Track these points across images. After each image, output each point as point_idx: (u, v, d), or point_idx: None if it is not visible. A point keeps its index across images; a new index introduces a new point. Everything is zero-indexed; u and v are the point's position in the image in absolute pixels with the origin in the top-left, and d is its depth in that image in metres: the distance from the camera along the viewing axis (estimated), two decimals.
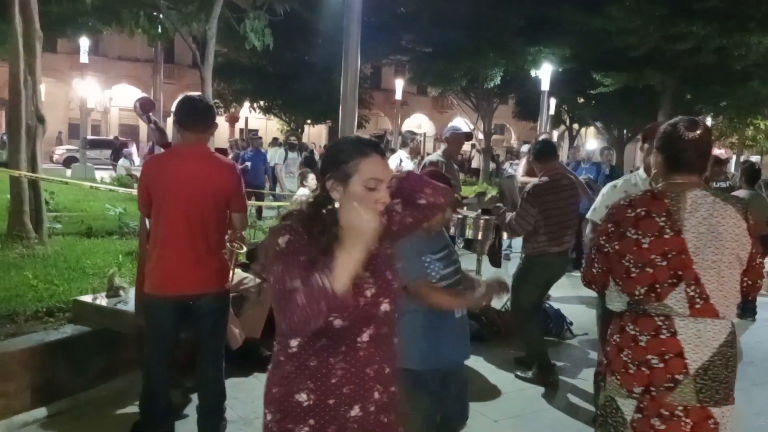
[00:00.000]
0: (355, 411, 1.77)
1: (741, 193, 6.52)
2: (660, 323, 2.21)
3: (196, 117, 3.25)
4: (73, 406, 3.74)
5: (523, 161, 7.25)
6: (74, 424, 3.55)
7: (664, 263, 2.19)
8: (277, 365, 1.82)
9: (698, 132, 2.26)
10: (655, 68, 18.59)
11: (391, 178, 1.82)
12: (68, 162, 26.31)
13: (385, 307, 1.81)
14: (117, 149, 23.11)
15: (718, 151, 40.18)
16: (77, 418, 3.63)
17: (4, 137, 14.76)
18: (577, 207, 4.84)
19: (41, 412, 3.60)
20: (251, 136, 14.32)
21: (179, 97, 3.48)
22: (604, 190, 3.69)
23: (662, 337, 2.20)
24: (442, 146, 6.05)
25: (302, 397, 1.76)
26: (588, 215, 3.72)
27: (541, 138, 6.86)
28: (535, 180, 4.65)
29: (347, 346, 1.76)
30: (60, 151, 29.42)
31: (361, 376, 1.77)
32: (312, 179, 9.35)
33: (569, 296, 6.74)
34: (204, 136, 3.30)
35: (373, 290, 1.78)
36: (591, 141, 29.36)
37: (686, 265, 2.18)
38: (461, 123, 30.77)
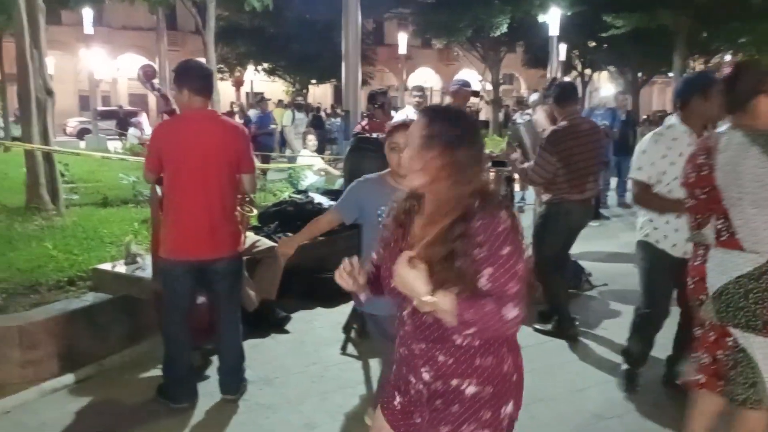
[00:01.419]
0: (411, 378, 1.80)
1: None
2: (700, 251, 2.64)
3: (207, 81, 3.30)
4: (99, 371, 3.86)
5: (539, 110, 7.04)
6: (101, 389, 3.66)
7: (703, 196, 2.54)
8: None
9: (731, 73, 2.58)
10: (668, 7, 18.01)
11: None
12: (81, 134, 26.47)
13: None
14: (121, 119, 23.15)
15: None
16: (103, 382, 3.75)
17: (17, 112, 14.83)
18: (600, 153, 4.65)
19: (69, 378, 3.73)
20: (258, 99, 14.26)
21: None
22: (644, 146, 3.38)
23: (696, 263, 2.66)
24: (447, 100, 5.93)
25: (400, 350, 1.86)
26: (631, 175, 3.47)
27: (556, 81, 6.66)
28: (554, 126, 4.48)
29: (398, 314, 1.81)
30: (73, 123, 29.54)
31: (410, 348, 1.77)
32: (312, 140, 9.35)
33: (588, 248, 6.69)
34: (209, 100, 3.35)
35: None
36: (607, 86, 28.71)
37: (717, 200, 2.49)
38: (468, 76, 30.30)
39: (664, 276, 3.52)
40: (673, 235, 3.41)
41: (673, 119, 3.42)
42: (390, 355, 2.39)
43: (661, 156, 3.31)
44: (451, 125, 1.66)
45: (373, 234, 2.32)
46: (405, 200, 1.79)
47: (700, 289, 2.62)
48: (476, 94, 5.95)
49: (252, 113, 13.65)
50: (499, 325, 1.59)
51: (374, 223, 2.58)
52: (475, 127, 1.72)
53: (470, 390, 1.70)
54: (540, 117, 6.66)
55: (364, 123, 5.46)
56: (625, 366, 3.81)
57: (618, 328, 4.65)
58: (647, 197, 3.39)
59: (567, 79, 27.99)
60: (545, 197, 4.58)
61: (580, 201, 4.44)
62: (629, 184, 3.78)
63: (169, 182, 3.28)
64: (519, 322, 1.62)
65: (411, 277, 1.55)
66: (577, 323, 4.65)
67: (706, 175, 2.50)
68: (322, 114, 17.82)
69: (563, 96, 4.50)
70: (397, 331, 1.83)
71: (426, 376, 1.74)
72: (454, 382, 1.71)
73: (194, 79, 3.26)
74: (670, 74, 21.89)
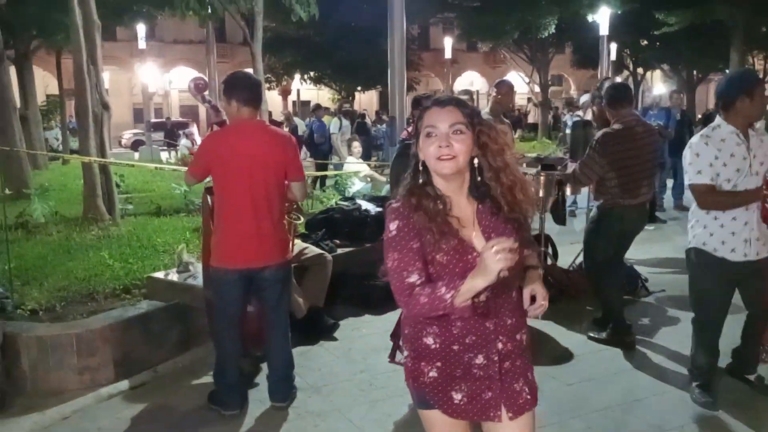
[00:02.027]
0: (480, 359, 1.86)
1: None
2: None
3: (255, 92, 3.35)
4: (153, 377, 3.94)
5: (588, 112, 6.87)
6: (155, 395, 3.73)
7: None
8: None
9: None
10: (724, 1, 17.35)
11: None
12: (135, 145, 27.34)
13: (503, 273, 1.75)
14: (169, 130, 23.86)
15: None
16: (157, 389, 3.82)
17: (71, 125, 15.43)
18: (655, 156, 4.49)
19: (124, 384, 3.82)
20: (314, 107, 14.52)
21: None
22: (696, 149, 3.27)
23: None
24: (490, 103, 5.77)
25: (429, 340, 1.88)
26: (692, 181, 3.29)
27: (608, 81, 6.47)
28: (607, 128, 4.33)
29: (475, 304, 1.81)
30: (128, 136, 30.55)
31: (481, 330, 1.85)
32: (357, 146, 9.39)
33: (643, 252, 6.49)
34: (258, 110, 3.39)
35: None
36: (659, 85, 27.87)
37: None
38: (515, 78, 29.90)
39: (720, 284, 3.42)
40: (731, 239, 3.30)
41: (718, 120, 3.32)
42: None
43: (714, 157, 3.23)
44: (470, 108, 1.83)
45: None
46: (424, 199, 1.82)
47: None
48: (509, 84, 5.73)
49: (299, 122, 13.89)
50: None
51: None
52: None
53: (524, 338, 1.95)
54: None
55: (410, 129, 5.42)
56: (695, 382, 3.62)
57: (676, 336, 4.50)
58: (715, 198, 3.28)
59: (619, 79, 27.32)
60: (596, 202, 4.48)
61: (634, 206, 4.28)
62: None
63: (219, 192, 3.33)
64: None
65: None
66: (634, 330, 4.48)
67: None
68: (367, 120, 17.90)
69: (616, 97, 4.35)
70: (448, 324, 1.84)
71: (500, 345, 1.87)
72: (518, 336, 1.92)
73: (242, 90, 3.31)
74: (727, 71, 21.09)
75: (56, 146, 17.21)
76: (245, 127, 3.32)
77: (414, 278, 1.79)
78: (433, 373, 1.88)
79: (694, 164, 3.26)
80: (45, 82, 27.91)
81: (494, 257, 1.62)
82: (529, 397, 1.91)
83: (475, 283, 1.69)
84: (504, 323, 1.88)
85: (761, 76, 26.30)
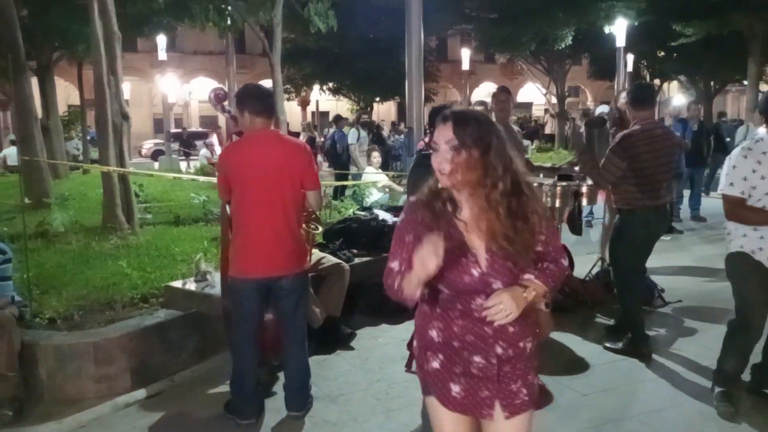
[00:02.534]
0: (478, 359, 1.94)
1: None
2: None
3: (266, 103, 3.37)
4: (170, 386, 3.96)
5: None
6: (172, 404, 3.74)
7: None
8: (419, 300, 2.01)
9: None
10: (742, 12, 17.22)
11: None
12: (155, 155, 27.63)
13: (497, 285, 1.89)
14: (185, 141, 24.09)
15: None
16: (174, 397, 3.84)
17: (91, 134, 15.65)
18: (673, 159, 4.47)
19: (141, 393, 3.83)
20: (335, 118, 14.64)
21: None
22: (734, 161, 3.30)
23: None
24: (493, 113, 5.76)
25: (433, 333, 1.98)
26: (724, 191, 3.32)
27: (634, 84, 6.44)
28: (626, 130, 4.31)
29: (463, 305, 1.92)
30: (148, 145, 30.90)
31: (480, 333, 1.93)
32: (376, 156, 9.41)
33: (660, 262, 6.44)
34: (272, 120, 3.41)
35: (480, 270, 1.88)
36: (678, 96, 27.51)
37: None
38: (532, 89, 29.77)
39: (760, 287, 3.37)
40: (766, 246, 3.27)
41: (762, 132, 3.32)
42: None
43: (751, 170, 3.22)
44: (472, 125, 1.85)
45: None
46: (434, 199, 1.93)
47: None
48: (504, 88, 5.75)
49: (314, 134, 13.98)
50: (563, 274, 2.00)
51: None
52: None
53: (529, 345, 1.99)
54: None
55: (426, 139, 5.42)
56: (719, 389, 3.58)
57: (694, 347, 4.45)
58: (742, 212, 3.28)
59: (623, 100, 27.11)
60: (617, 204, 4.43)
61: (655, 207, 4.25)
62: (711, 197, 3.69)
63: (236, 202, 3.34)
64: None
65: (519, 303, 1.85)
66: (650, 342, 4.44)
67: None
68: (384, 131, 17.96)
69: (640, 98, 4.32)
70: (449, 321, 1.94)
71: (499, 350, 1.93)
72: (521, 344, 1.96)
73: (253, 101, 3.33)
74: (745, 82, 20.89)
75: (76, 156, 17.45)
76: (259, 138, 3.34)
77: (395, 265, 1.94)
78: (435, 364, 1.98)
79: (729, 175, 3.30)
80: (67, 93, 28.37)
81: (428, 251, 1.72)
82: (526, 398, 1.97)
83: (416, 266, 1.76)
84: (505, 330, 1.92)
85: None
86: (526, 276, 1.91)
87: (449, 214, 1.90)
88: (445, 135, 1.84)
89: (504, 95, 5.51)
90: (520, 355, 1.96)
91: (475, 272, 1.87)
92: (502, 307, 1.83)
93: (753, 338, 3.48)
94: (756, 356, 3.65)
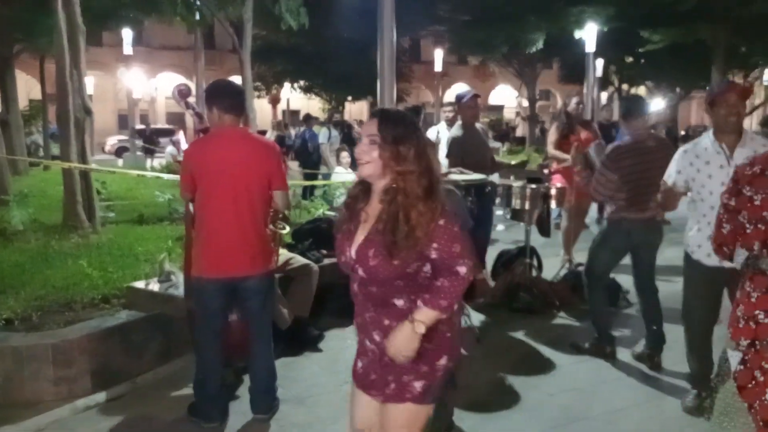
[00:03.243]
0: (366, 341, 2.16)
1: None
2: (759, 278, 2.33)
3: (236, 99, 3.31)
4: (132, 389, 3.86)
5: (553, 128, 6.82)
6: (134, 407, 3.65)
7: None
8: None
9: None
10: (706, 21, 17.67)
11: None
12: (120, 152, 27.11)
13: (361, 272, 2.05)
14: (148, 137, 23.71)
15: None
16: (136, 400, 3.74)
17: (53, 129, 15.28)
18: (665, 170, 4.56)
19: (101, 396, 3.73)
20: (305, 117, 14.50)
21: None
22: (676, 156, 3.56)
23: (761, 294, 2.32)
24: (458, 118, 5.82)
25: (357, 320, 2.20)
26: (664, 179, 3.61)
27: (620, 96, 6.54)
28: (618, 141, 4.40)
29: (352, 287, 2.14)
30: (112, 142, 30.28)
31: (362, 315, 2.15)
32: (345, 156, 9.36)
33: (622, 264, 6.51)
34: (241, 118, 3.34)
35: (350, 253, 2.07)
36: (658, 100, 27.66)
37: None
38: (504, 92, 30.09)
39: (699, 286, 3.50)
40: (706, 244, 3.32)
41: (707, 131, 3.54)
42: None
43: (688, 164, 3.45)
44: (396, 125, 1.99)
45: None
46: (355, 186, 2.13)
47: None
48: (477, 95, 5.88)
49: (290, 131, 13.83)
50: (462, 284, 2.01)
51: None
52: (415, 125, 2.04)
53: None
54: (552, 136, 6.51)
55: None
56: (693, 391, 3.65)
57: None
58: (664, 196, 3.57)
59: (604, 95, 27.55)
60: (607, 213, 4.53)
61: (642, 220, 4.20)
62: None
63: (200, 200, 3.27)
64: (472, 269, 2.01)
65: (410, 342, 1.98)
66: (615, 342, 4.51)
67: None
68: (355, 130, 17.88)
69: (630, 110, 4.34)
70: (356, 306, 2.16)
71: (377, 338, 2.10)
72: None
73: (223, 97, 3.27)
74: (708, 88, 21.47)
75: (35, 150, 17.02)
76: (226, 135, 3.27)
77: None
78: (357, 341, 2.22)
79: (671, 165, 3.58)
80: (28, 87, 27.66)
81: None
82: (391, 393, 2.11)
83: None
84: (381, 321, 2.08)
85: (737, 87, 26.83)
86: (417, 307, 1.99)
87: (354, 203, 2.11)
88: (369, 129, 2.00)
89: (473, 101, 5.68)
90: None
91: (348, 255, 2.08)
92: (394, 352, 2.00)
93: (702, 339, 3.55)
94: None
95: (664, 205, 3.66)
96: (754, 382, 2.28)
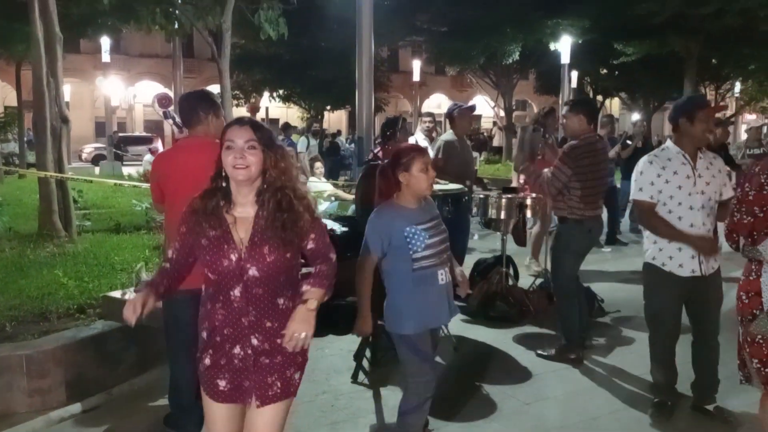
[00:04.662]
0: (237, 350, 2.17)
1: None
2: (753, 267, 2.77)
3: (186, 114, 3.31)
4: (107, 400, 3.82)
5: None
6: (108, 418, 3.62)
7: (761, 214, 2.69)
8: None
9: None
10: (679, 34, 18.07)
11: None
12: (96, 160, 26.78)
13: (253, 272, 2.12)
14: (117, 146, 23.48)
15: (750, 117, 39.05)
16: (111, 412, 3.71)
17: (30, 136, 15.05)
18: (607, 173, 4.77)
19: (76, 407, 3.69)
20: (283, 126, 14.50)
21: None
22: (641, 168, 3.51)
23: (751, 278, 2.77)
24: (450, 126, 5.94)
25: (204, 334, 2.24)
26: (634, 197, 3.54)
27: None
28: (572, 141, 4.47)
29: (224, 296, 2.16)
30: (88, 150, 29.92)
31: (237, 324, 2.16)
32: (319, 167, 9.40)
33: (598, 273, 6.66)
34: (200, 128, 3.30)
35: (238, 256, 2.13)
36: (634, 114, 28.02)
37: None
38: (481, 102, 30.32)
39: (670, 298, 3.54)
40: (678, 254, 3.44)
41: (668, 142, 3.55)
42: (422, 376, 2.96)
43: (656, 175, 3.44)
44: (264, 130, 2.18)
45: (403, 256, 2.89)
46: (210, 198, 2.19)
47: (755, 303, 2.72)
48: (472, 108, 6.11)
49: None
50: (335, 268, 2.30)
51: (403, 245, 2.88)
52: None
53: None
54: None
55: (376, 150, 5.47)
56: (656, 399, 3.73)
57: (631, 356, 4.59)
58: (655, 221, 3.48)
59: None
60: (560, 215, 4.58)
61: (596, 217, 4.52)
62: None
63: (168, 211, 3.27)
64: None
65: (309, 320, 2.11)
66: (583, 348, 4.60)
67: (767, 194, 2.66)
68: (340, 140, 17.89)
69: (580, 107, 4.53)
70: (213, 315, 2.18)
71: (255, 342, 2.16)
72: (279, 340, 2.13)
73: (180, 111, 3.30)
74: (675, 102, 21.93)
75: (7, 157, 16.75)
76: (191, 144, 3.27)
77: (170, 253, 2.28)
78: (207, 361, 2.20)
79: (638, 182, 3.51)
80: (3, 93, 27.28)
81: (128, 306, 2.11)
82: (278, 391, 2.19)
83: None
84: (262, 324, 2.15)
85: (711, 104, 27.39)
86: (304, 288, 2.19)
87: (220, 208, 2.16)
88: (244, 135, 2.13)
89: (469, 112, 5.95)
90: (277, 349, 2.17)
91: (233, 257, 2.12)
92: (296, 336, 2.07)
93: (668, 350, 3.63)
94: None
95: (672, 236, 3.42)
96: (745, 351, 2.77)
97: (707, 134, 3.42)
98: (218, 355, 2.18)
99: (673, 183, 3.41)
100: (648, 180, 3.46)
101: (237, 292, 2.14)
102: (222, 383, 2.19)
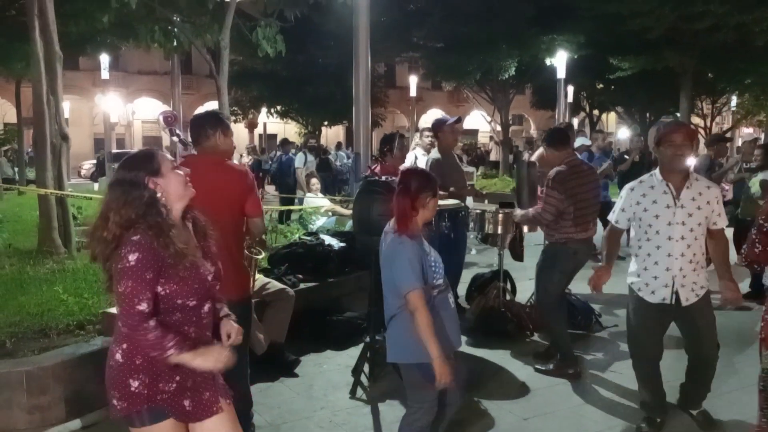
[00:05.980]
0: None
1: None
2: None
3: (191, 130, 3.39)
4: (106, 417, 3.79)
5: (539, 151, 7.07)
6: None
7: None
8: (130, 339, 2.15)
9: None
10: (674, 49, 18.20)
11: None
12: (95, 176, 26.81)
13: (217, 287, 2.35)
14: (101, 164, 23.59)
15: (747, 131, 39.23)
16: (110, 428, 3.67)
17: (30, 153, 15.09)
18: (599, 194, 4.78)
19: (76, 423, 3.70)
20: (281, 142, 14.51)
21: (198, 108, 3.59)
22: (622, 193, 3.61)
23: None
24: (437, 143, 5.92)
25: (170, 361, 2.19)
26: (609, 217, 3.69)
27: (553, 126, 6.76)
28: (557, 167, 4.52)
29: (197, 317, 2.25)
30: (87, 166, 29.97)
31: (205, 338, 2.28)
32: (315, 183, 9.46)
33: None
34: (207, 146, 3.37)
35: (213, 274, 2.31)
36: (623, 130, 28.33)
37: None
38: (477, 117, 30.37)
39: (646, 322, 3.57)
40: (652, 282, 3.47)
41: (656, 169, 3.54)
42: (427, 403, 2.90)
43: (635, 203, 3.49)
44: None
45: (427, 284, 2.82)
46: (168, 231, 2.19)
47: None
48: (459, 120, 5.96)
49: (264, 155, 13.80)
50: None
51: (429, 273, 2.83)
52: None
53: None
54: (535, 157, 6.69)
55: (374, 167, 5.51)
56: (645, 416, 3.76)
57: (629, 370, 4.52)
58: (606, 239, 3.67)
59: (576, 120, 28.00)
60: (549, 238, 4.65)
61: (585, 240, 4.54)
62: None
63: None
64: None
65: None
66: (580, 363, 4.63)
67: None
68: (330, 156, 17.92)
69: (555, 139, 4.60)
70: (194, 328, 2.23)
71: None
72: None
73: (191, 130, 3.37)
74: (678, 114, 22.02)
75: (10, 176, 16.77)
76: (197, 162, 3.31)
77: (143, 306, 2.07)
78: (172, 386, 2.19)
79: (617, 203, 3.65)
80: (3, 110, 27.38)
81: (221, 355, 2.20)
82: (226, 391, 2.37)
83: (195, 362, 2.15)
84: (209, 336, 2.32)
85: (708, 119, 27.55)
86: (223, 306, 2.45)
87: (173, 242, 2.14)
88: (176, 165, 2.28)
89: (456, 126, 5.83)
90: None
91: (209, 279, 2.27)
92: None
93: (651, 370, 3.66)
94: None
95: (609, 248, 3.70)
96: None
97: (675, 159, 3.36)
98: (186, 377, 2.25)
99: (651, 212, 3.43)
100: (621, 206, 3.57)
101: (206, 308, 2.34)
102: (187, 402, 2.26)
